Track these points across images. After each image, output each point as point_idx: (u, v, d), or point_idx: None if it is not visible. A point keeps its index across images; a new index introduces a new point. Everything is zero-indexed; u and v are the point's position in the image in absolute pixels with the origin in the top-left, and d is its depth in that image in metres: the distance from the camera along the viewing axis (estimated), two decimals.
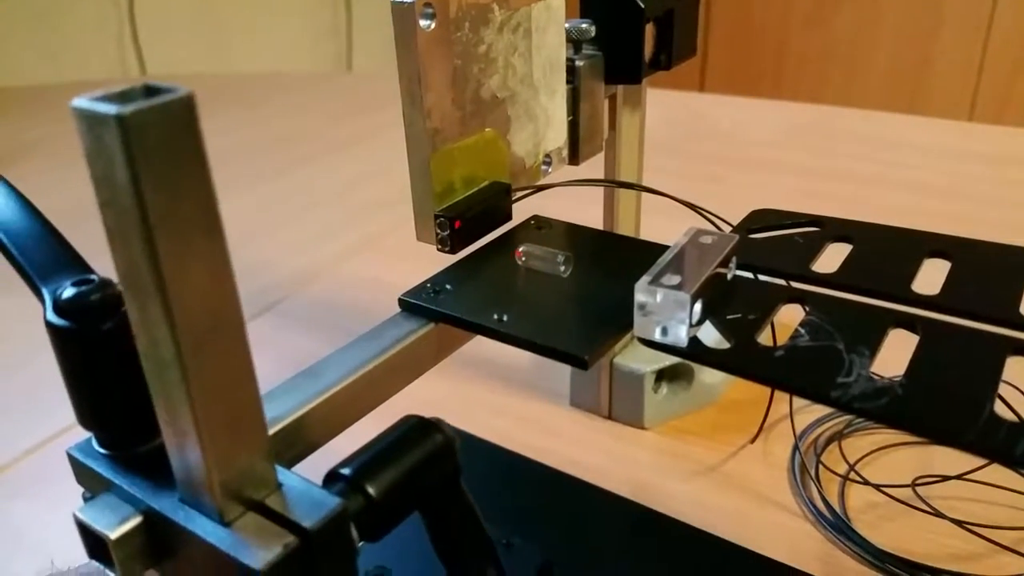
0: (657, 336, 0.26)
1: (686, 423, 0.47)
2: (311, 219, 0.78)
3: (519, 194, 0.35)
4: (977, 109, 1.52)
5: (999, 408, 0.22)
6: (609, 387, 0.47)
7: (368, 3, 1.79)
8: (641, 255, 0.32)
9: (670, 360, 0.45)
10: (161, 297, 0.17)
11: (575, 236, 0.34)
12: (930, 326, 0.26)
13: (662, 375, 0.46)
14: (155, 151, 0.16)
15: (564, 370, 0.49)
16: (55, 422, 0.48)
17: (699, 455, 0.45)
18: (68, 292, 0.22)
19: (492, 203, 0.33)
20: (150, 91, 0.17)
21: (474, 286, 0.31)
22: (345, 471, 0.23)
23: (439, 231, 0.32)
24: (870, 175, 0.78)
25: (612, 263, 0.32)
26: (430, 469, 0.25)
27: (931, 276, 0.30)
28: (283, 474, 0.22)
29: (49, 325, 0.22)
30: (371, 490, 0.23)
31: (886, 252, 0.31)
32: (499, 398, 0.50)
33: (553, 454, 0.45)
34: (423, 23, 0.29)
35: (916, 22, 1.51)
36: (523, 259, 0.32)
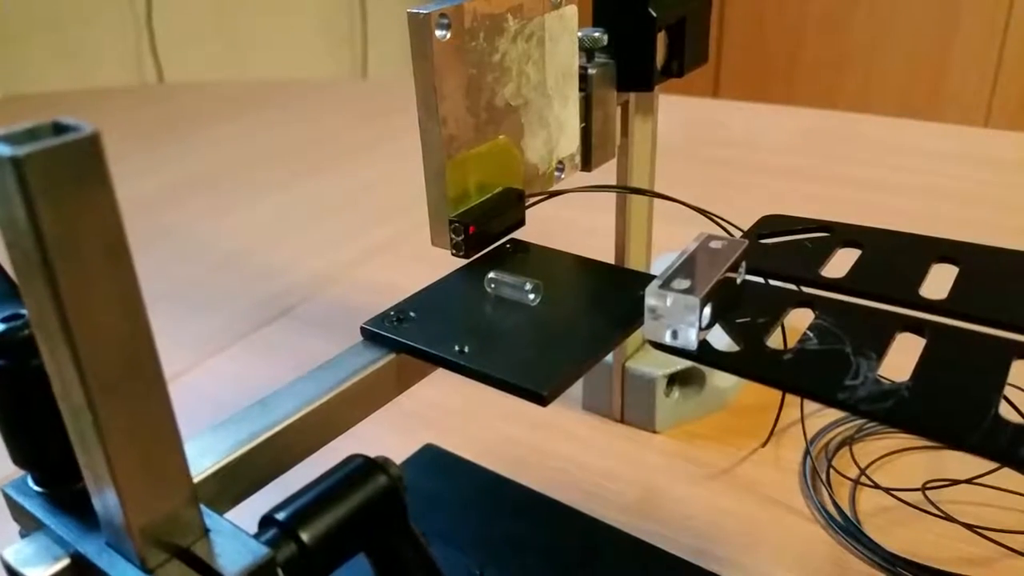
0: (667, 339, 0.26)
1: (698, 427, 0.47)
2: (327, 224, 0.79)
3: (532, 200, 0.35)
4: (993, 115, 1.51)
5: (1005, 411, 0.23)
6: (621, 391, 0.47)
7: (383, 11, 1.81)
8: (618, 283, 0.32)
9: (682, 364, 0.46)
10: (67, 340, 0.17)
11: (552, 262, 0.33)
12: (937, 330, 0.26)
13: (674, 379, 0.47)
14: (55, 192, 0.16)
15: None
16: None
17: (711, 459, 0.45)
18: None
19: (505, 209, 0.34)
20: (58, 129, 0.16)
21: (439, 314, 0.30)
22: (279, 516, 0.23)
23: (453, 236, 0.32)
24: (884, 181, 0.78)
25: (585, 292, 0.32)
26: (371, 512, 0.24)
27: (939, 281, 0.30)
28: (212, 519, 0.21)
29: None
30: (304, 537, 0.22)
31: (895, 257, 0.31)
32: (511, 402, 0.50)
33: (564, 458, 0.45)
34: (439, 33, 0.30)
35: (931, 28, 1.50)
36: (492, 287, 0.31)
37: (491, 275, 0.31)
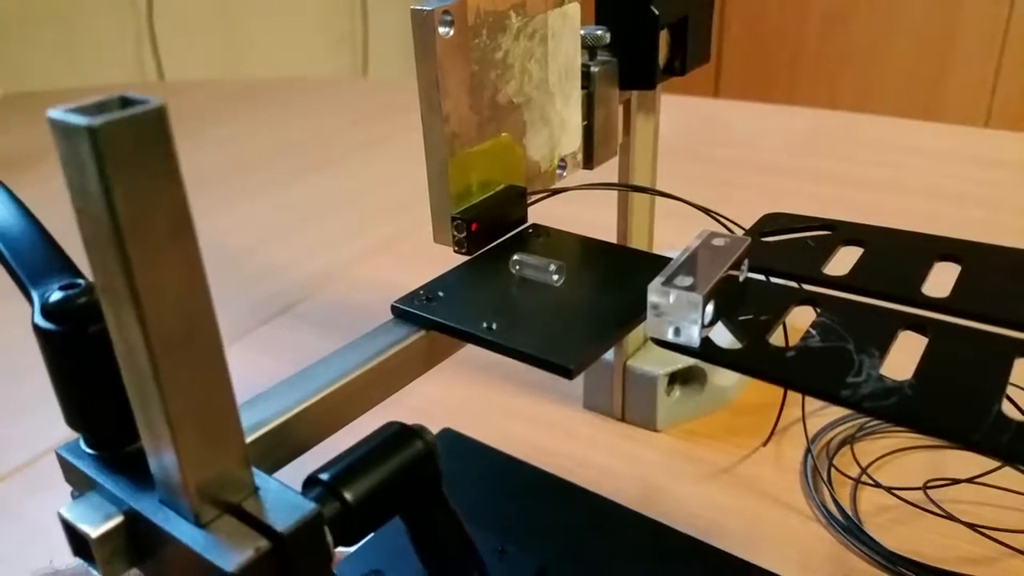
0: (670, 336, 0.26)
1: (699, 426, 0.47)
2: (328, 222, 0.79)
3: (534, 197, 0.35)
4: (994, 115, 1.51)
5: (1008, 409, 0.23)
6: (622, 389, 0.47)
7: (384, 9, 1.81)
8: (636, 265, 0.33)
9: (684, 363, 0.46)
10: (134, 303, 0.18)
11: (572, 245, 0.34)
12: (939, 328, 0.26)
13: (675, 378, 0.47)
14: (126, 161, 0.17)
15: None
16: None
17: (712, 457, 0.45)
18: (55, 296, 0.22)
19: (508, 206, 0.34)
20: (125, 103, 0.17)
21: (467, 294, 0.31)
22: (323, 476, 0.24)
23: (456, 233, 0.32)
24: (885, 180, 0.78)
25: (606, 273, 0.33)
26: (409, 475, 0.25)
27: (941, 279, 0.30)
28: (261, 478, 0.22)
29: (36, 328, 0.22)
30: (347, 496, 0.23)
31: (897, 255, 0.31)
32: (513, 400, 0.51)
33: (566, 456, 0.45)
34: (442, 30, 0.30)
35: (932, 28, 1.50)
36: (517, 268, 0.32)
37: (516, 256, 0.32)
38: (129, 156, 0.17)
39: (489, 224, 0.33)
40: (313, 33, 1.77)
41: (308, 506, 0.21)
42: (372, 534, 0.24)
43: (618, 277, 0.32)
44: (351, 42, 1.82)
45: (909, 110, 1.53)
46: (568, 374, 0.26)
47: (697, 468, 0.44)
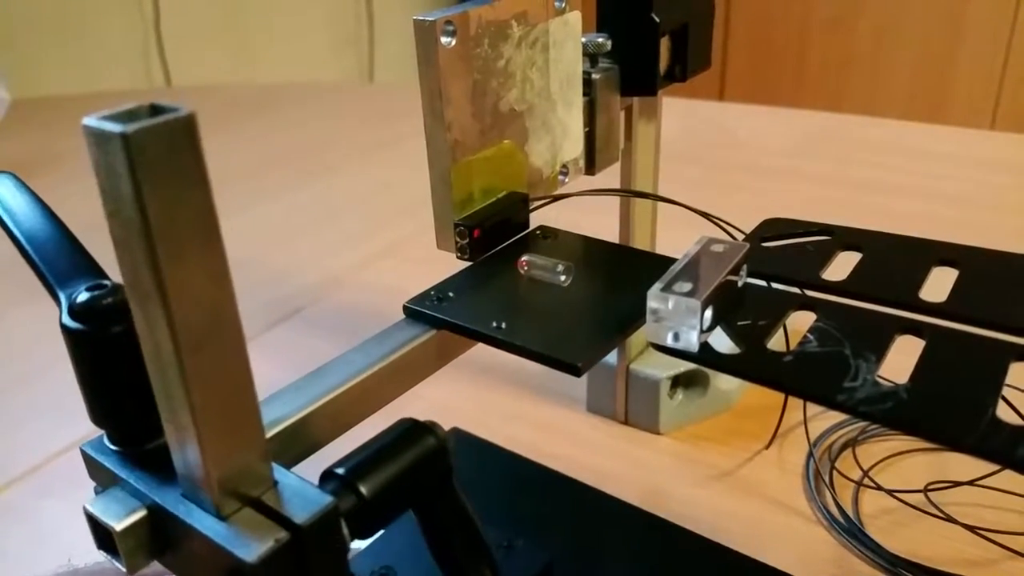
0: (669, 341, 0.27)
1: (702, 429, 0.48)
2: (334, 227, 0.80)
3: (536, 203, 0.36)
4: (999, 118, 1.51)
5: (1003, 413, 0.23)
6: (625, 393, 0.48)
7: (389, 15, 1.82)
8: (642, 266, 0.34)
9: (686, 366, 0.46)
10: (162, 301, 0.19)
11: (579, 246, 0.35)
12: (936, 332, 0.26)
13: (678, 381, 0.47)
14: (157, 166, 0.17)
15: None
16: (85, 425, 0.50)
17: (714, 460, 0.45)
18: (82, 297, 0.23)
19: (510, 212, 0.34)
20: (155, 110, 0.18)
21: (476, 294, 0.31)
22: (339, 471, 0.24)
23: (458, 239, 0.33)
24: (889, 184, 0.78)
25: (613, 273, 0.33)
26: (422, 470, 0.26)
27: (939, 284, 0.30)
28: (280, 472, 0.23)
29: (64, 328, 0.23)
30: (363, 489, 0.24)
31: (895, 260, 0.32)
32: (516, 403, 0.51)
33: (569, 459, 0.46)
34: (444, 40, 0.30)
35: (937, 31, 1.50)
36: (525, 269, 0.32)
37: (525, 257, 0.32)
38: (160, 162, 0.17)
39: (491, 230, 0.33)
40: (319, 38, 1.78)
41: (325, 499, 0.22)
42: (383, 531, 0.25)
43: (625, 277, 0.33)
44: (356, 47, 1.82)
45: (914, 113, 1.53)
46: (576, 371, 0.27)
47: (699, 471, 0.45)
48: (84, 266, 0.25)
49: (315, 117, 1.15)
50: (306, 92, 1.28)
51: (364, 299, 0.65)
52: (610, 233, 0.44)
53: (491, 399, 0.52)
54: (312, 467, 0.25)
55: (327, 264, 0.72)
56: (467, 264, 0.33)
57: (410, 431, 0.26)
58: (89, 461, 0.24)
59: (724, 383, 0.48)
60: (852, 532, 0.39)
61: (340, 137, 1.06)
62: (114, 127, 0.17)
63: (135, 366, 0.21)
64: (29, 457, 0.49)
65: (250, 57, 1.65)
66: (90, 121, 0.17)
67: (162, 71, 1.52)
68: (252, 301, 0.66)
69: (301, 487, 0.22)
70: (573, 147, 0.37)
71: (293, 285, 0.68)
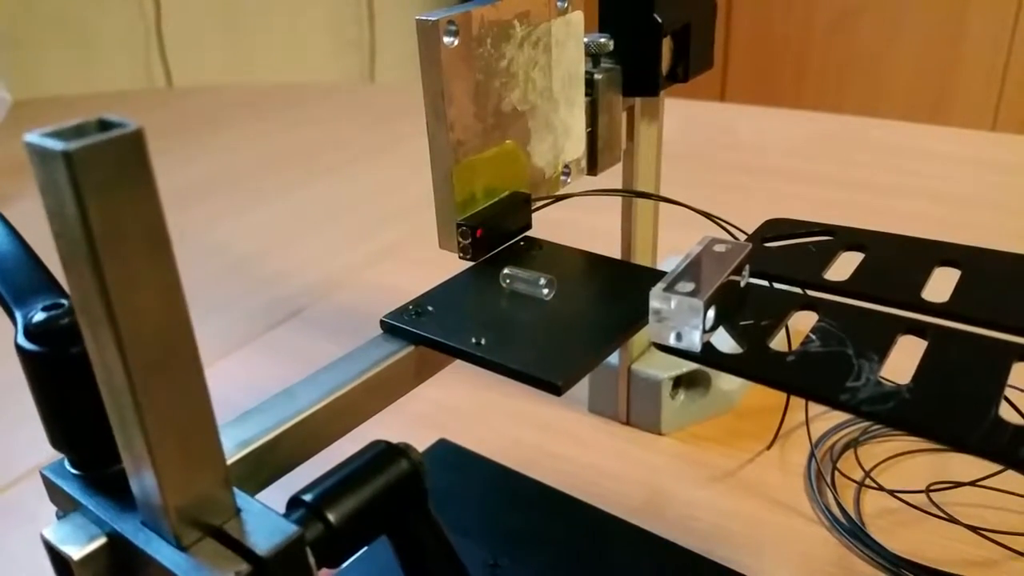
0: (672, 341, 0.27)
1: (703, 429, 0.48)
2: (336, 227, 0.80)
3: (538, 203, 0.36)
4: (1000, 118, 1.51)
5: (1006, 412, 0.23)
6: (627, 393, 0.48)
7: (391, 16, 1.82)
8: (628, 279, 0.33)
9: (688, 367, 0.46)
10: (111, 324, 0.18)
11: (564, 258, 0.34)
12: (938, 332, 0.26)
13: (680, 381, 0.47)
14: (102, 185, 0.17)
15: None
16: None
17: (716, 461, 0.45)
18: (38, 316, 0.22)
19: (512, 212, 0.34)
20: (104, 125, 0.17)
21: (456, 309, 0.31)
22: (306, 497, 0.23)
23: (461, 240, 0.33)
24: (891, 185, 0.78)
25: (597, 287, 0.32)
26: (394, 496, 0.25)
27: (941, 284, 0.30)
28: (243, 500, 0.22)
29: (19, 348, 0.22)
30: (331, 517, 0.23)
31: (897, 260, 0.32)
32: (518, 404, 0.51)
33: (570, 459, 0.46)
34: (447, 40, 0.30)
35: (938, 32, 1.50)
36: (507, 282, 0.31)
37: (506, 271, 0.31)
38: (105, 180, 0.17)
39: (493, 230, 0.33)
40: (320, 39, 1.78)
41: (290, 528, 0.21)
42: (358, 553, 0.24)
43: (609, 290, 0.32)
44: (358, 48, 1.82)
45: (916, 113, 1.52)
46: (556, 391, 0.26)
47: (701, 471, 0.45)
48: (42, 285, 0.24)
49: (316, 117, 1.15)
50: (307, 92, 1.28)
51: (365, 299, 0.65)
52: (612, 232, 0.44)
53: (492, 399, 0.52)
54: (284, 489, 0.25)
55: (328, 264, 0.72)
56: (466, 267, 0.33)
57: (382, 454, 0.25)
58: (50, 486, 0.24)
59: (726, 383, 0.48)
60: (854, 532, 0.39)
61: (341, 137, 1.06)
62: (56, 144, 0.16)
63: (93, 389, 0.20)
64: (29, 457, 0.49)
65: (251, 57, 1.65)
66: (32, 138, 0.17)
67: (163, 72, 1.52)
68: (253, 301, 0.66)
69: (265, 516, 0.22)
70: (575, 147, 0.37)
71: (294, 285, 0.68)
